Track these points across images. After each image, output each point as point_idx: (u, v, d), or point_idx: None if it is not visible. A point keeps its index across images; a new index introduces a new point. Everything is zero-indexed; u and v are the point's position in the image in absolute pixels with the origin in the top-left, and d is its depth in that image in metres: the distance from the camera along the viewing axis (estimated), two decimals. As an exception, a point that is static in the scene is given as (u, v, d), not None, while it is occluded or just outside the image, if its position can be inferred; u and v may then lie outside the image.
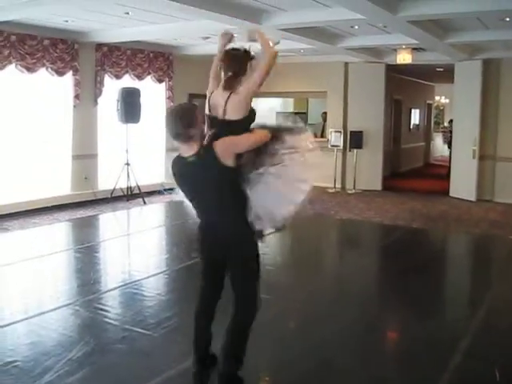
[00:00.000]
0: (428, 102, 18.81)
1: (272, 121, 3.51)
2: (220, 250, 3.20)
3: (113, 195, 9.98)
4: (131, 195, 10.15)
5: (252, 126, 3.34)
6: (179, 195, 3.31)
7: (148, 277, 5.73)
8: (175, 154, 3.16)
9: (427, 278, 5.82)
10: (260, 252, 3.26)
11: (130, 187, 10.12)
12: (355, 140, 11.85)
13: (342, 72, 12.17)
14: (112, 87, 10.02)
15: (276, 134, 3.22)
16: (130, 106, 9.78)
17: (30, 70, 8.65)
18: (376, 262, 7.14)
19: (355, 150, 11.90)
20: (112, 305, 4.94)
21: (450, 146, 13.01)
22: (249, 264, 3.17)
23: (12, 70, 8.46)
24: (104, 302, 4.93)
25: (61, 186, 9.59)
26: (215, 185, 3.04)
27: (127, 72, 10.40)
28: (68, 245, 7.46)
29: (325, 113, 12.78)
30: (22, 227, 7.97)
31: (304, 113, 14.37)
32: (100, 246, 7.23)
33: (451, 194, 11.35)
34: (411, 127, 17.23)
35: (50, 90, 9.29)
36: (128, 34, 9.01)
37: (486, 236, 8.15)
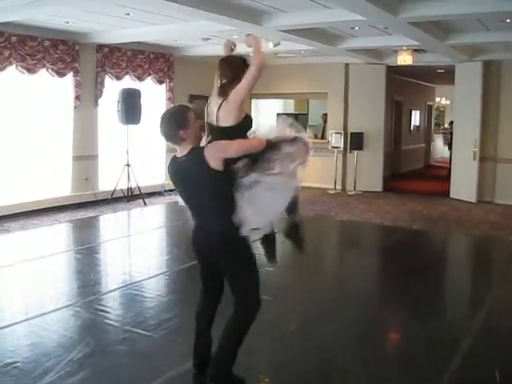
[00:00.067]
0: (428, 103, 18.82)
1: (273, 124, 3.50)
2: (210, 253, 3.22)
3: (113, 196, 9.98)
4: (132, 196, 10.15)
5: (252, 132, 3.37)
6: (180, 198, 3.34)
7: (148, 278, 5.73)
8: (172, 144, 3.23)
9: (427, 279, 5.83)
10: (255, 252, 3.24)
11: (131, 188, 10.13)
12: (356, 141, 11.85)
13: (343, 73, 12.18)
14: (112, 88, 10.02)
15: (274, 143, 3.20)
16: (131, 107, 9.79)
17: (30, 71, 8.66)
18: (376, 263, 7.14)
19: (356, 152, 11.90)
20: (112, 306, 4.94)
21: (450, 148, 13.02)
22: (239, 266, 3.16)
23: (12, 71, 8.47)
24: (104, 303, 4.94)
25: (61, 187, 9.59)
26: (202, 187, 3.08)
27: (128, 73, 10.41)
28: (68, 246, 7.46)
29: (325, 114, 12.78)
30: (23, 228, 7.97)
31: (304, 114, 14.35)
32: (100, 247, 7.24)
33: (451, 195, 11.35)
34: (412, 128, 17.24)
35: (50, 91, 9.29)
36: (128, 35, 9.01)
37: (487, 237, 8.14)
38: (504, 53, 10.21)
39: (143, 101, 10.08)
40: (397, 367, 3.88)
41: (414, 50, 10.19)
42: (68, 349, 3.89)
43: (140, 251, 7.24)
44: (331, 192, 11.84)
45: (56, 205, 9.28)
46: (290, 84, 12.76)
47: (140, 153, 10.61)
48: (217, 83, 3.49)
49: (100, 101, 10.02)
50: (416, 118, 17.61)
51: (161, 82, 11.21)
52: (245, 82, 3.28)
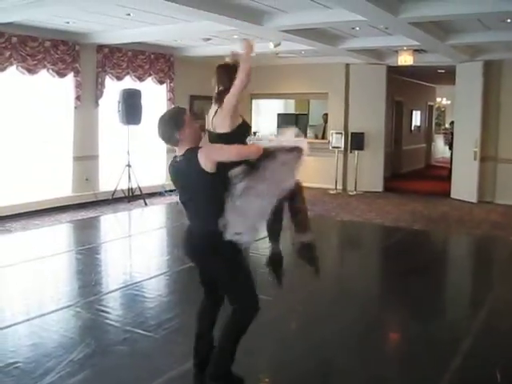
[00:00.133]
0: (429, 103, 18.82)
1: (280, 134, 3.44)
2: (198, 256, 3.25)
3: (114, 197, 9.99)
4: (132, 196, 10.15)
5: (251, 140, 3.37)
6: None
7: (149, 278, 5.74)
8: (171, 146, 3.26)
9: (428, 280, 5.82)
10: (245, 253, 3.22)
11: (131, 188, 10.13)
12: (356, 141, 11.84)
13: (343, 73, 12.18)
14: (113, 89, 10.03)
15: (271, 151, 3.19)
16: (131, 107, 9.79)
17: (31, 71, 8.66)
18: (377, 263, 7.14)
19: (356, 152, 11.90)
20: (113, 306, 4.94)
21: (451, 148, 13.01)
22: (228, 270, 3.15)
23: (13, 71, 8.47)
24: (105, 303, 4.94)
25: (62, 188, 9.59)
26: (193, 187, 3.12)
27: (128, 73, 10.41)
28: (69, 246, 7.47)
29: (326, 114, 12.78)
30: (24, 228, 7.98)
31: (305, 114, 14.37)
32: (101, 248, 7.24)
33: (452, 195, 11.35)
34: (412, 129, 17.23)
35: (51, 91, 9.30)
36: (129, 35, 9.02)
37: (487, 237, 8.14)
38: (505, 53, 10.20)
39: (144, 101, 10.08)
40: (397, 367, 3.88)
41: (415, 50, 10.19)
42: (69, 349, 3.90)
43: (141, 251, 7.24)
44: (332, 192, 11.84)
45: (57, 205, 9.28)
46: (290, 84, 12.76)
47: (141, 153, 10.61)
48: (215, 89, 3.50)
49: (100, 101, 10.02)
50: (417, 118, 17.60)
51: (161, 83, 11.21)
52: (234, 88, 3.29)
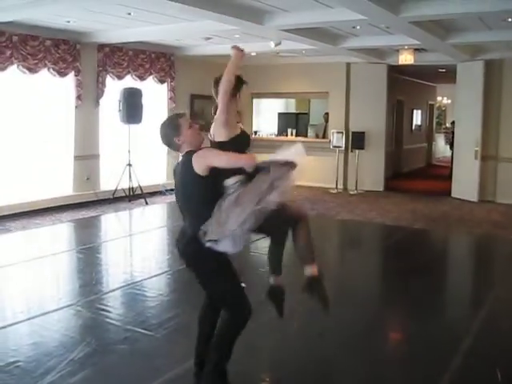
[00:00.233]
0: (430, 102, 18.81)
1: (286, 151, 3.39)
2: (185, 260, 3.25)
3: (115, 196, 9.99)
4: (133, 196, 10.16)
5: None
6: None
7: (150, 277, 5.74)
8: (176, 155, 3.30)
9: (429, 279, 5.82)
10: (226, 261, 3.16)
11: (132, 188, 10.14)
12: (357, 141, 11.84)
13: (344, 73, 12.17)
14: (114, 88, 10.03)
15: (264, 165, 3.16)
16: (132, 106, 9.79)
17: (31, 70, 8.67)
18: (378, 262, 7.14)
19: (357, 151, 11.90)
20: (114, 305, 4.94)
21: (451, 147, 13.00)
22: (210, 276, 3.16)
23: (14, 70, 8.48)
24: (106, 302, 4.94)
25: (63, 187, 9.60)
26: (186, 189, 3.15)
27: (129, 73, 10.41)
28: (70, 245, 7.47)
29: (327, 113, 12.77)
30: (24, 228, 7.98)
31: (306, 113, 14.38)
32: (102, 247, 7.24)
33: (453, 194, 11.34)
34: (413, 128, 17.22)
35: (51, 90, 9.30)
36: (130, 34, 9.02)
37: (488, 237, 8.14)
38: (505, 52, 10.20)
39: (144, 100, 10.09)
40: (397, 367, 3.88)
41: (416, 49, 10.19)
42: (69, 348, 3.90)
43: (141, 251, 7.25)
44: (332, 191, 11.84)
45: (57, 204, 9.29)
46: (291, 83, 12.76)
47: (141, 152, 10.61)
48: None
49: (101, 100, 10.03)
50: (417, 117, 17.60)
51: (162, 82, 11.21)
52: (219, 97, 3.28)
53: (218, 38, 9.49)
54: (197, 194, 3.11)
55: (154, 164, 11.12)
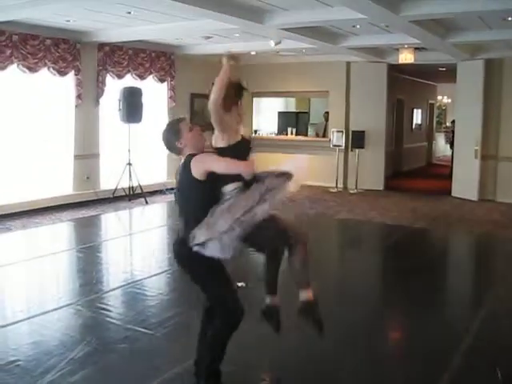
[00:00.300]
0: (430, 101, 18.79)
1: (291, 163, 3.36)
2: (177, 258, 3.26)
3: (115, 195, 9.99)
4: (133, 195, 10.16)
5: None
6: None
7: (150, 276, 5.74)
8: (177, 155, 3.31)
9: (429, 278, 5.82)
10: (218, 263, 3.15)
11: (132, 187, 10.13)
12: (357, 140, 11.84)
13: (344, 71, 12.17)
14: (114, 87, 10.02)
15: (261, 175, 3.16)
16: (132, 105, 9.79)
17: (31, 69, 8.66)
18: (378, 261, 7.13)
19: (357, 150, 11.89)
20: (114, 304, 4.95)
21: (452, 146, 13.00)
22: (200, 277, 3.18)
23: (14, 69, 8.47)
24: (106, 301, 4.94)
25: (63, 186, 9.59)
26: (184, 192, 3.18)
27: (129, 72, 10.41)
28: (70, 244, 7.47)
29: (327, 112, 12.77)
30: (24, 227, 7.98)
31: (306, 112, 14.37)
32: (102, 246, 7.25)
33: (453, 193, 11.34)
34: (413, 127, 17.22)
35: (51, 89, 9.30)
36: (130, 33, 9.02)
37: (489, 236, 8.14)
38: (506, 51, 10.20)
39: (144, 99, 10.09)
40: (397, 366, 3.88)
41: (416, 48, 10.18)
42: (69, 347, 3.90)
43: (141, 250, 7.25)
44: (332, 190, 11.83)
45: (57, 203, 9.29)
46: (291, 82, 12.75)
47: (141, 151, 10.61)
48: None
49: (101, 99, 10.02)
50: (418, 116, 17.59)
51: (162, 81, 11.20)
52: (211, 95, 3.21)
53: (218, 37, 9.48)
54: (194, 198, 3.12)
55: (154, 163, 11.11)
